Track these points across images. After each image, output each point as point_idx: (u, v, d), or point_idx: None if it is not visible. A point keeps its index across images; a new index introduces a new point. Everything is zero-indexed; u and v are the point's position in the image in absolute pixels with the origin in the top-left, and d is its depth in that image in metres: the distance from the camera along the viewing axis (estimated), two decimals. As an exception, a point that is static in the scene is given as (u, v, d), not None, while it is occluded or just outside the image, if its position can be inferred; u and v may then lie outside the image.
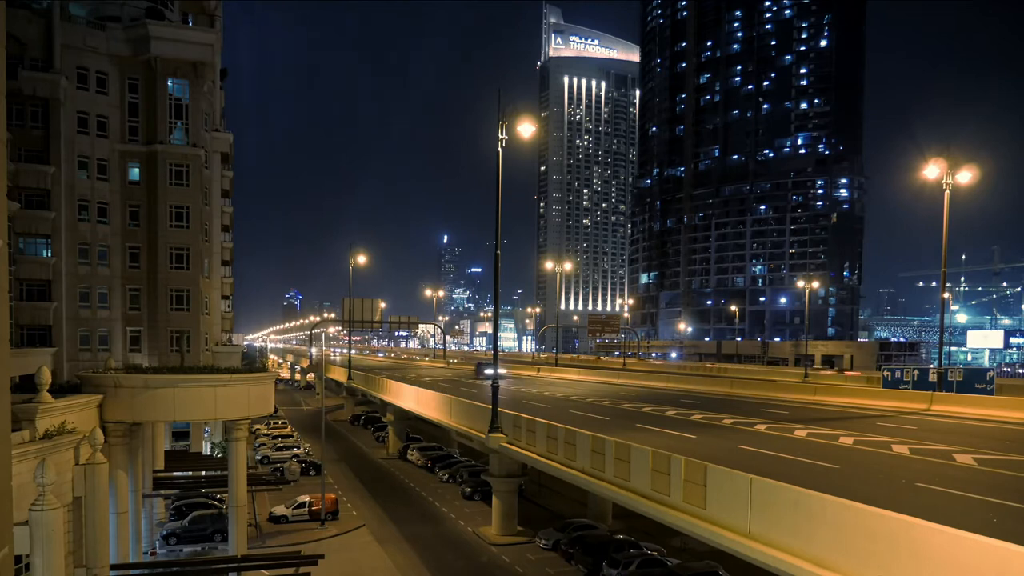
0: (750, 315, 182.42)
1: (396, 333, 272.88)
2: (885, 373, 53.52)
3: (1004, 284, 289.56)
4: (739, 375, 76.98)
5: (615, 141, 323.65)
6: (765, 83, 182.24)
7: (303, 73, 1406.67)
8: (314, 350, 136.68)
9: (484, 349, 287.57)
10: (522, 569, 35.65)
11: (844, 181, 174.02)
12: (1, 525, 10.92)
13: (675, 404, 45.95)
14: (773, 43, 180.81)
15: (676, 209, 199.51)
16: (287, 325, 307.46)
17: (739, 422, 35.87)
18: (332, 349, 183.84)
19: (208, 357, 48.02)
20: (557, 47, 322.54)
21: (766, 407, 44.06)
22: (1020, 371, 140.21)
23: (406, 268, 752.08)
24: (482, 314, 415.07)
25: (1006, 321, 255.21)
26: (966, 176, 41.12)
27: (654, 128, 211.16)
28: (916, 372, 50.24)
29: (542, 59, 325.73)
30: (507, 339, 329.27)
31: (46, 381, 22.21)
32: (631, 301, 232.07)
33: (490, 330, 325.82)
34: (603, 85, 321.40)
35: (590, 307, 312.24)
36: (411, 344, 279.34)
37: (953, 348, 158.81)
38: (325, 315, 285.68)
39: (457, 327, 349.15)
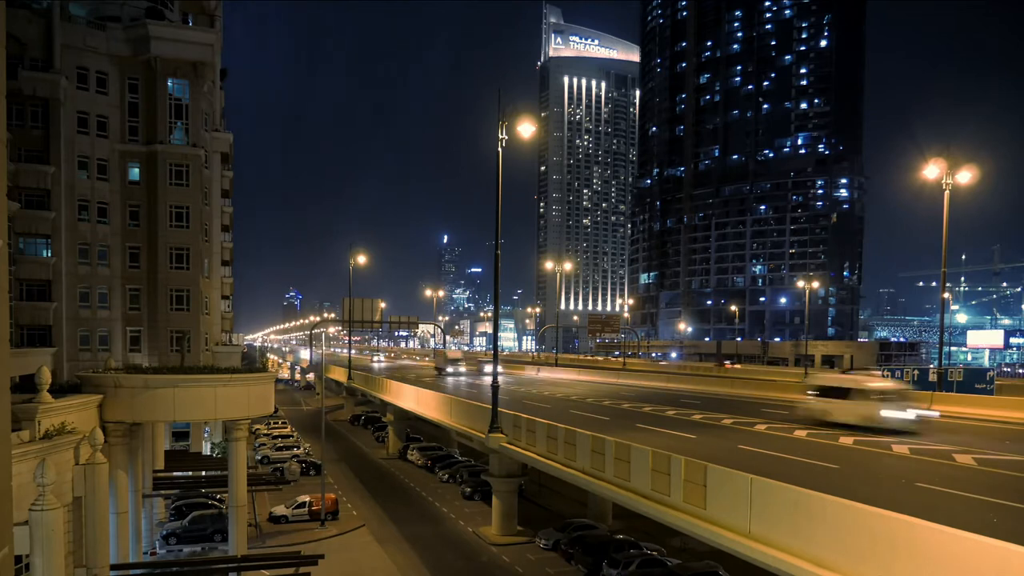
0: (750, 315, 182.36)
1: (396, 333, 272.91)
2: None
3: (1004, 284, 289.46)
4: (739, 375, 76.98)
5: (615, 141, 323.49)
6: (765, 83, 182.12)
7: (303, 73, 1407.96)
8: (313, 351, 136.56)
9: (484, 349, 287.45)
10: (522, 569, 35.68)
11: (844, 181, 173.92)
12: (1, 525, 10.91)
13: (675, 404, 45.94)
14: (773, 43, 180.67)
15: (676, 209, 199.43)
16: (287, 325, 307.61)
17: (739, 422, 35.86)
18: (332, 349, 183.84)
19: (208, 357, 48.05)
20: (557, 47, 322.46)
21: (766, 407, 44.08)
22: (1020, 371, 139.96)
23: (406, 268, 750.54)
24: (482, 314, 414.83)
25: (1006, 321, 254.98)
26: (966, 176, 41.07)
27: (654, 128, 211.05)
28: (916, 372, 50.29)
29: (542, 59, 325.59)
30: (507, 339, 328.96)
31: (46, 381, 22.23)
32: (631, 301, 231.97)
33: (490, 330, 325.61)
34: (603, 85, 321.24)
35: (590, 307, 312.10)
36: (411, 344, 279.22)
37: (953, 348, 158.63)
38: (325, 315, 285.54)
39: (457, 327, 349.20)
